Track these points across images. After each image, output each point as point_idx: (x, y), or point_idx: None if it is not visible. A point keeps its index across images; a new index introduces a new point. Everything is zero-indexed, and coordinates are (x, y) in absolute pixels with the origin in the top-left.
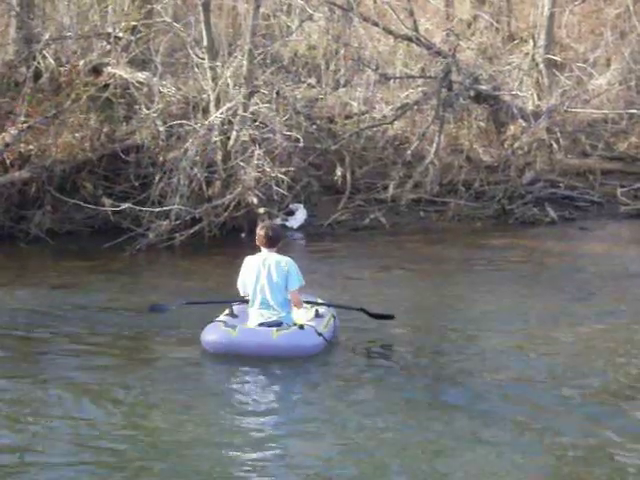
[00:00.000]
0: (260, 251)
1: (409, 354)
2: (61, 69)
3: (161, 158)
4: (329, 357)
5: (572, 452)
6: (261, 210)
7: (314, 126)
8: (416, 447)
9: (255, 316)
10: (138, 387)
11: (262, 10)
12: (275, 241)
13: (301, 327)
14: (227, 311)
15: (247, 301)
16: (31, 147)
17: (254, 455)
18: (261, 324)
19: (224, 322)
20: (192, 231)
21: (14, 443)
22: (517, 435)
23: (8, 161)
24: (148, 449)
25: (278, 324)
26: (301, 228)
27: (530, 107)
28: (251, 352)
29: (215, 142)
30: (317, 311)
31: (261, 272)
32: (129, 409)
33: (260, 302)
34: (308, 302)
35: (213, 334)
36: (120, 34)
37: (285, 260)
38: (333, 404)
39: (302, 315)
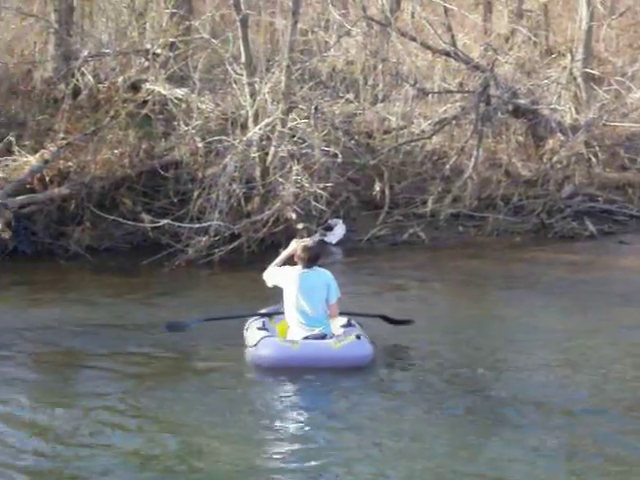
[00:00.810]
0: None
1: (448, 368)
2: (100, 86)
3: (200, 174)
4: (367, 370)
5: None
6: (300, 225)
7: (352, 141)
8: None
9: (298, 330)
10: (181, 404)
11: (300, 26)
12: (316, 260)
13: (358, 337)
14: (257, 325)
15: (267, 314)
16: (70, 164)
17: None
18: (306, 337)
19: (277, 337)
20: (231, 247)
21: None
22: (561, 448)
23: (47, 178)
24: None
25: (323, 336)
26: (340, 243)
27: (568, 121)
28: (314, 364)
29: (254, 158)
30: (349, 321)
31: (304, 286)
32: (174, 428)
33: (304, 316)
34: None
35: (271, 349)
36: (158, 50)
37: (325, 273)
38: (375, 418)
39: (336, 325)
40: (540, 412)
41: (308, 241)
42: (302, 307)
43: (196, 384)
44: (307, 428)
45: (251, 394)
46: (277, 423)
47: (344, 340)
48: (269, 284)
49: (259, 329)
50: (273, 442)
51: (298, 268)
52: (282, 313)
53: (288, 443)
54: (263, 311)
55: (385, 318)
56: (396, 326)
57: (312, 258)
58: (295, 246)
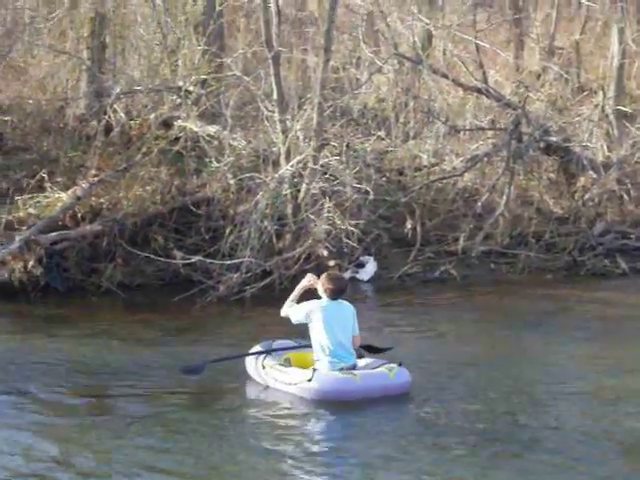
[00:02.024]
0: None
1: (480, 405)
2: (132, 123)
3: (231, 211)
4: (410, 404)
5: None
6: (331, 262)
7: (384, 178)
8: None
9: (331, 361)
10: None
11: (331, 63)
12: (344, 291)
13: (400, 364)
14: (276, 361)
15: (267, 351)
16: (102, 200)
17: None
18: (341, 369)
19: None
20: (263, 284)
21: None
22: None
23: (80, 214)
24: None
25: (354, 367)
26: (371, 280)
27: (600, 158)
28: (372, 395)
29: (285, 195)
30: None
31: (338, 318)
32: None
33: (338, 347)
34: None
35: (335, 383)
36: (190, 88)
37: (351, 306)
38: (418, 453)
39: None
40: (582, 443)
41: (335, 274)
42: (337, 339)
43: (234, 420)
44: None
45: (290, 429)
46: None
47: (394, 369)
48: (294, 320)
49: (283, 365)
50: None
51: (324, 300)
52: (288, 349)
53: None
54: (257, 349)
55: (369, 347)
56: (380, 354)
57: (341, 289)
58: (310, 279)
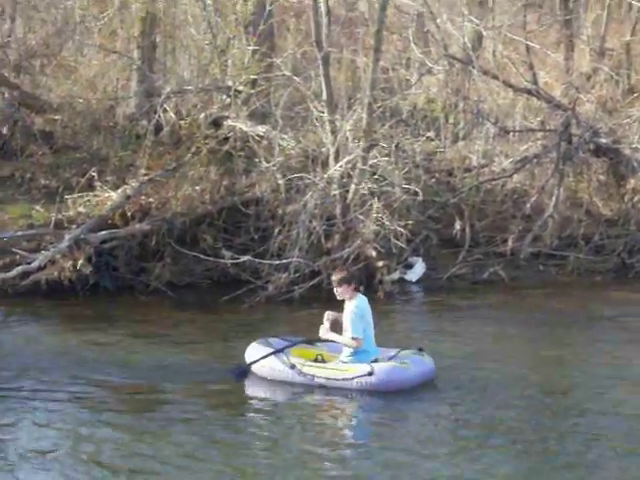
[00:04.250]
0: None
1: (526, 407)
2: (181, 122)
3: (280, 211)
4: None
5: None
6: (380, 263)
7: (433, 179)
8: None
9: (370, 352)
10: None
11: (381, 64)
12: None
13: (420, 349)
14: (314, 359)
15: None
16: (152, 200)
17: None
18: (374, 360)
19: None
20: (311, 284)
21: None
22: None
23: (129, 213)
24: None
25: (377, 358)
26: (420, 281)
27: None
28: (424, 380)
29: (334, 195)
30: None
31: (370, 314)
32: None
33: (371, 340)
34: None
35: (395, 374)
36: (240, 87)
37: None
38: (458, 452)
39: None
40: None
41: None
42: (371, 332)
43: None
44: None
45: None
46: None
47: (427, 355)
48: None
49: (320, 362)
50: None
51: (359, 296)
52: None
53: None
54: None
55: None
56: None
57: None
58: (329, 317)
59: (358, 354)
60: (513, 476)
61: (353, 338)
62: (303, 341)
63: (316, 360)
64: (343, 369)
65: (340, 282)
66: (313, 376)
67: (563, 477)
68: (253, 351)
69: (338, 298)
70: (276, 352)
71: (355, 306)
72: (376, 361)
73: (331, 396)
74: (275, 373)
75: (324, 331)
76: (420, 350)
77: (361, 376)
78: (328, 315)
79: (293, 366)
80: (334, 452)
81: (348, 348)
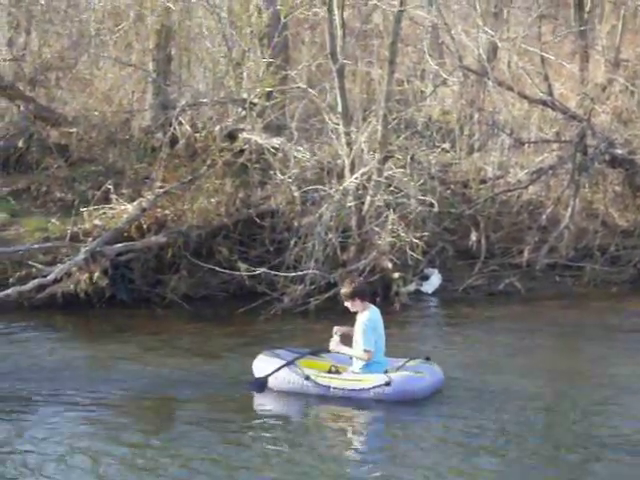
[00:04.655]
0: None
1: (542, 419)
2: (197, 135)
3: (296, 223)
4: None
5: None
6: (396, 275)
7: (448, 191)
8: None
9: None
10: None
11: (396, 75)
12: None
13: (427, 359)
14: (327, 370)
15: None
16: (167, 212)
17: None
18: (386, 371)
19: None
20: (327, 295)
21: None
22: None
23: (145, 226)
24: None
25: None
26: (436, 293)
27: None
28: (436, 389)
29: (350, 207)
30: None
31: (382, 326)
32: None
33: (382, 351)
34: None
35: (411, 383)
36: (255, 100)
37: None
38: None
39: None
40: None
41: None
42: (383, 344)
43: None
44: None
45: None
46: None
47: (431, 363)
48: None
49: (334, 372)
50: None
51: (371, 307)
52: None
53: None
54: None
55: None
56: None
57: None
58: (337, 330)
59: (370, 365)
60: None
61: (365, 350)
62: (311, 352)
63: (330, 371)
64: (360, 379)
65: (348, 296)
66: (329, 387)
67: None
68: (261, 363)
69: (351, 311)
70: (288, 364)
71: (367, 318)
72: (386, 372)
73: (344, 407)
74: (289, 385)
75: (334, 344)
76: (427, 359)
77: (378, 386)
78: (337, 330)
79: (308, 377)
80: (354, 465)
81: (359, 360)
